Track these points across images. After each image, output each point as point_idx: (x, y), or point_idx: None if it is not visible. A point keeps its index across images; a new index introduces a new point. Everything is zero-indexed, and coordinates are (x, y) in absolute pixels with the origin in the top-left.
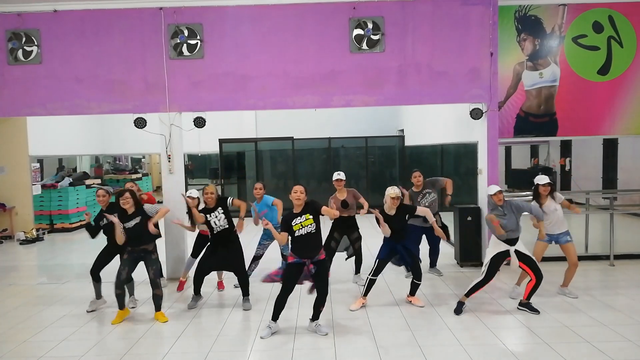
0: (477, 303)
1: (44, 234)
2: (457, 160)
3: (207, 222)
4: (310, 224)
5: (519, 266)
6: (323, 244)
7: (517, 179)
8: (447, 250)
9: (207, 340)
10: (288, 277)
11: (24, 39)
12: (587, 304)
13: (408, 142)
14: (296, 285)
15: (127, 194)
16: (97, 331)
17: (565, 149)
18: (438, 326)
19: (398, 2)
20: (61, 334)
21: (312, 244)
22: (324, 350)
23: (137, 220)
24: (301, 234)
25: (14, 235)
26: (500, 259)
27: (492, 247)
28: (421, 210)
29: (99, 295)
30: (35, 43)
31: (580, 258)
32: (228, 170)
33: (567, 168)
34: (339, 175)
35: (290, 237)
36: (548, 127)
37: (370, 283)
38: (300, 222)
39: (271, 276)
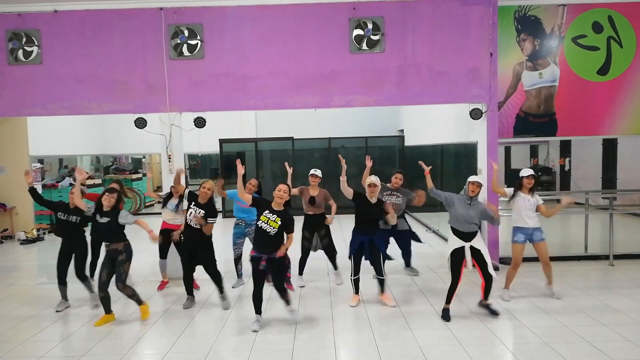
0: (477, 303)
1: (44, 233)
2: (457, 160)
3: (187, 210)
4: (273, 228)
5: (473, 265)
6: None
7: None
8: (443, 250)
9: (207, 340)
10: (254, 273)
11: (24, 39)
12: (587, 304)
13: (408, 142)
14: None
15: (115, 195)
16: (97, 331)
17: (565, 149)
18: (438, 326)
19: (398, 2)
20: (61, 334)
21: (266, 241)
22: (324, 350)
23: (107, 219)
24: (261, 227)
25: (14, 235)
26: (458, 256)
27: (449, 243)
28: (387, 205)
29: (64, 297)
30: (36, 43)
31: (580, 258)
32: (228, 170)
33: (566, 168)
34: (315, 171)
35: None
36: (548, 127)
37: (356, 282)
38: (268, 218)
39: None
